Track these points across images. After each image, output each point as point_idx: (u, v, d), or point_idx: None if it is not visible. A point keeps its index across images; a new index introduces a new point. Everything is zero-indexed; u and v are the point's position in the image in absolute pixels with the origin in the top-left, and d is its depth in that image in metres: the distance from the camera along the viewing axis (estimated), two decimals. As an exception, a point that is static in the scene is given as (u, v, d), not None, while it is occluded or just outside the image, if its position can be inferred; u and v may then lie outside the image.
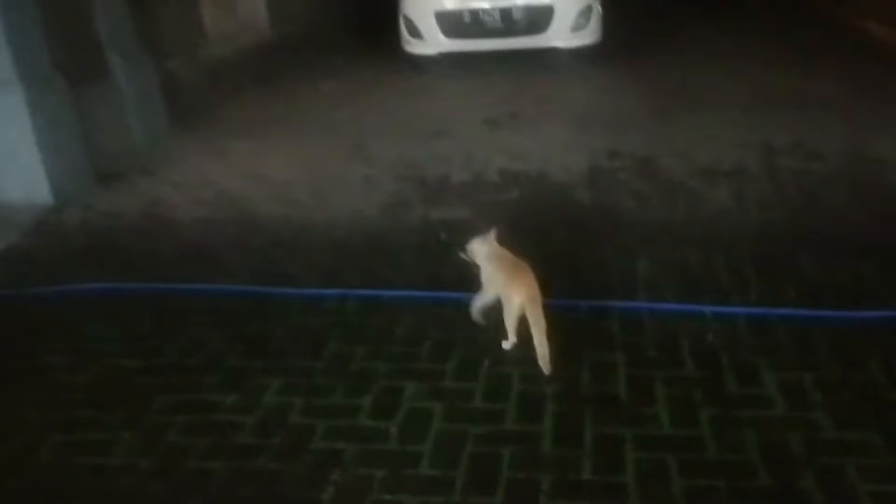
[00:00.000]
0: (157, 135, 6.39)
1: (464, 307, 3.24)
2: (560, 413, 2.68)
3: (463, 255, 3.20)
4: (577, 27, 7.76)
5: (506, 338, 3.03)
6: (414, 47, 8.20)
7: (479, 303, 3.15)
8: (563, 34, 7.76)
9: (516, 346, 3.01)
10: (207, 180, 5.40)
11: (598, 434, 2.57)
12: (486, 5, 7.72)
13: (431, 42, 8.02)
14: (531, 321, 2.84)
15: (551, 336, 2.85)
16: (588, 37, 7.83)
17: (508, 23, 7.73)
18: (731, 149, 5.09)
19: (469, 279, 3.23)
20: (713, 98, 6.54)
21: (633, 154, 5.14)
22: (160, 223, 4.71)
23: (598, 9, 7.82)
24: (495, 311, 3.09)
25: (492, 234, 3.17)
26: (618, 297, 3.41)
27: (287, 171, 5.44)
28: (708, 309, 3.26)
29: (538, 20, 7.73)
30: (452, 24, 7.82)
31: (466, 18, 7.79)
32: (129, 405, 2.90)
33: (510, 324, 2.98)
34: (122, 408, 2.88)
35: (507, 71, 7.99)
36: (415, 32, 8.05)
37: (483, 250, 3.14)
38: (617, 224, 4.18)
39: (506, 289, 2.96)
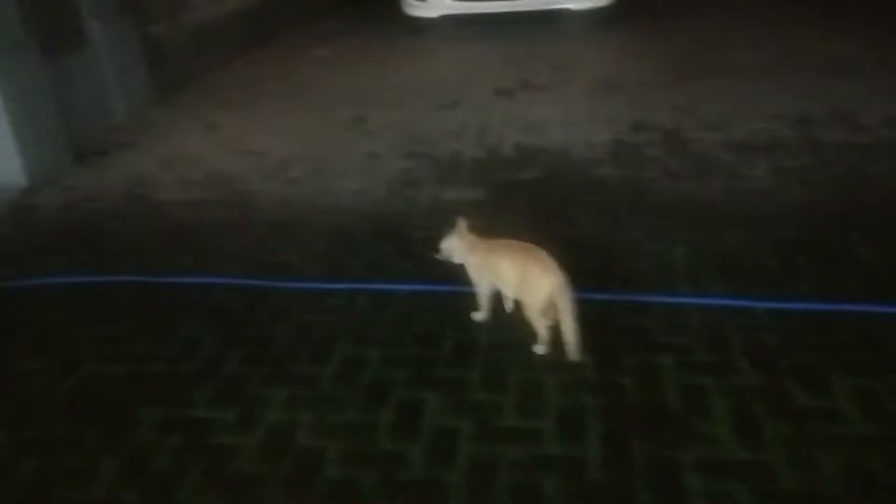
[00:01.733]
0: (140, 106, 5.99)
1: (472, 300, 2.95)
2: (605, 431, 2.38)
3: (438, 257, 2.93)
4: (590, -13, 7.35)
5: (533, 337, 2.74)
6: (415, 9, 7.78)
7: (484, 296, 2.94)
8: (576, -6, 7.34)
9: (547, 347, 2.72)
10: (196, 157, 5.03)
11: (652, 457, 2.26)
12: (492, -37, 7.29)
13: (434, 4, 7.59)
14: (561, 307, 2.61)
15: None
16: (602, -2, 7.41)
17: (517, -18, 7.31)
18: (764, 120, 4.74)
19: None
20: (740, 63, 6.18)
21: (659, 126, 4.79)
22: (146, 206, 4.36)
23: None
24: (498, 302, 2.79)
25: (462, 227, 2.88)
26: (656, 289, 3.10)
27: (282, 146, 5.08)
28: (759, 304, 2.94)
29: (548, -21, 7.32)
30: (457, -17, 7.40)
31: (472, -22, 7.37)
32: (112, 422, 2.58)
33: (538, 317, 2.69)
34: (104, 425, 2.56)
35: (516, 35, 7.59)
36: (416, -7, 7.63)
37: (462, 245, 2.87)
38: (648, 205, 3.85)
39: (526, 278, 2.68)
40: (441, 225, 2.97)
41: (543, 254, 2.68)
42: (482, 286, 2.93)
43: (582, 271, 2.91)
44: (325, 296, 3.25)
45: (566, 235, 3.51)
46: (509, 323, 2.90)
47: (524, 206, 3.91)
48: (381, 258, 3.54)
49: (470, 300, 3.02)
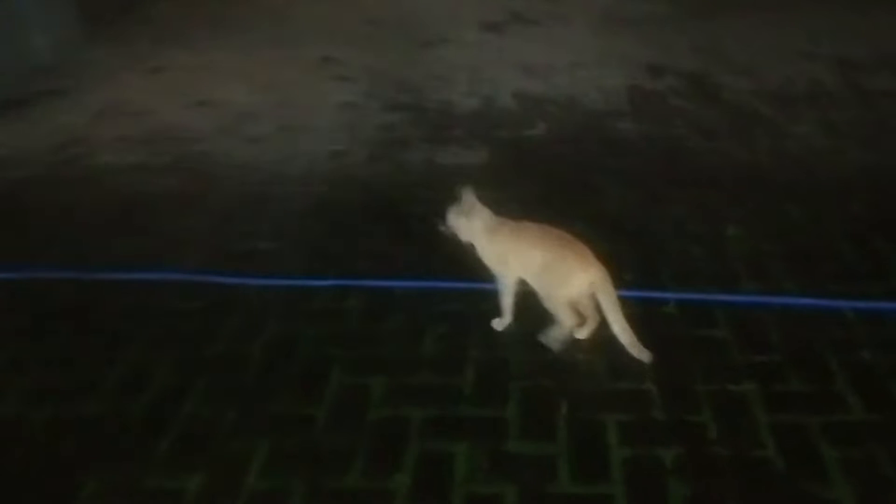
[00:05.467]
0: (67, 43, 5.07)
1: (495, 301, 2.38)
2: (691, 497, 1.84)
3: (443, 230, 2.39)
4: None
5: (561, 343, 2.28)
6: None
7: (506, 294, 2.40)
8: None
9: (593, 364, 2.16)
10: (139, 108, 4.25)
11: (760, 538, 1.75)
12: None
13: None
14: (608, 304, 2.20)
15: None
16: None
17: None
18: (800, 62, 4.14)
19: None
20: None
21: (680, 70, 4.15)
22: (78, 172, 3.61)
23: None
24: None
25: (472, 200, 2.33)
26: (716, 285, 2.53)
27: (241, 94, 4.31)
28: (847, 304, 2.40)
29: None
30: None
31: None
32: (31, 493, 1.95)
33: (561, 305, 2.25)
34: (19, 500, 1.94)
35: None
36: None
37: (476, 225, 2.34)
38: (684, 171, 3.25)
39: (561, 266, 2.23)
40: (440, 198, 2.35)
41: (582, 245, 2.24)
42: (505, 279, 2.38)
43: (619, 260, 2.41)
44: (308, 297, 2.61)
45: (591, 212, 2.92)
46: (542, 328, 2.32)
47: (533, 172, 3.27)
48: (373, 242, 2.90)
49: (493, 301, 2.43)
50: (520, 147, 3.50)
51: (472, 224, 2.34)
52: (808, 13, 4.79)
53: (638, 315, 2.34)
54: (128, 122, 4.08)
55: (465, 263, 2.52)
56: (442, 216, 2.35)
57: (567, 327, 2.28)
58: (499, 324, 2.41)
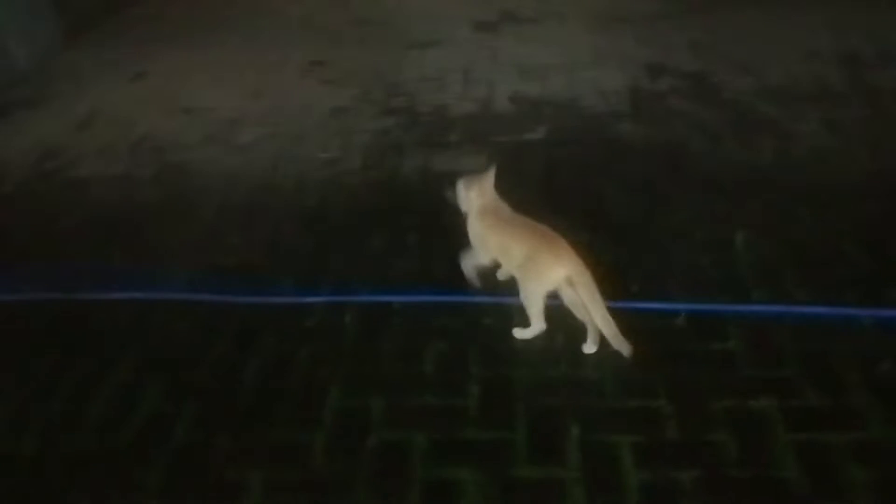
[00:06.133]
0: (46, 50, 4.99)
1: (518, 314, 2.34)
2: (711, 521, 1.79)
3: (450, 195, 2.51)
4: None
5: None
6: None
7: (471, 262, 2.53)
8: None
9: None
10: (122, 115, 4.18)
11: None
12: None
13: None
14: (587, 296, 2.19)
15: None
16: None
17: None
18: (802, 59, 4.08)
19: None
20: None
21: (681, 69, 4.09)
22: (59, 186, 3.54)
23: None
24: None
25: (489, 176, 2.46)
26: (726, 294, 2.48)
27: (228, 100, 4.23)
28: (863, 312, 2.35)
29: None
30: None
31: None
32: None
33: (536, 302, 2.29)
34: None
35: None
36: None
37: (476, 202, 2.46)
38: (688, 175, 3.19)
39: (535, 260, 2.26)
40: (437, 207, 2.31)
41: (559, 240, 2.26)
42: (480, 257, 2.50)
43: (625, 270, 2.45)
44: (302, 314, 2.54)
45: (595, 220, 2.87)
46: (552, 352, 2.27)
47: (534, 178, 3.20)
48: (368, 254, 2.83)
49: (495, 313, 2.39)
50: (517, 152, 3.44)
51: (470, 197, 2.44)
52: (808, 6, 4.73)
53: (647, 328, 2.31)
54: (110, 132, 4.00)
55: (462, 275, 2.48)
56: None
57: (536, 326, 2.32)
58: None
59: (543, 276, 2.25)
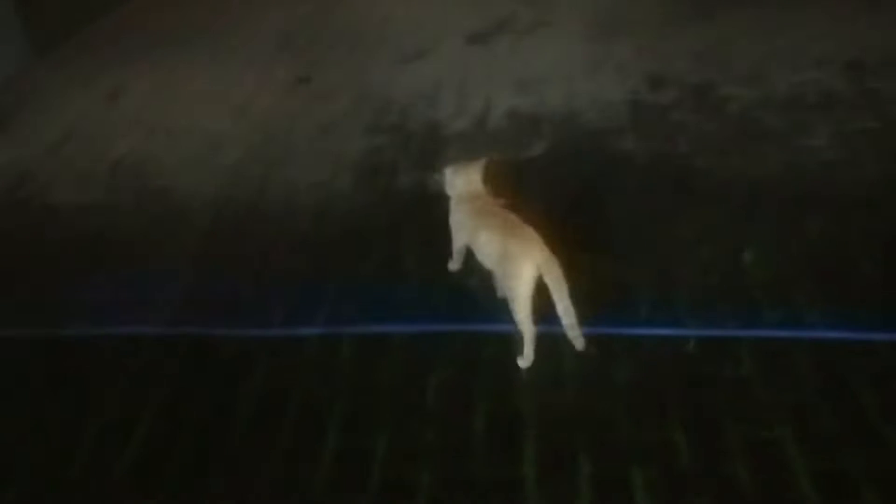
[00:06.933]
0: (14, 67, 5.02)
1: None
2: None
3: (437, 178, 2.74)
4: None
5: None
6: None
7: (456, 259, 2.74)
8: None
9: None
10: (97, 139, 4.22)
11: None
12: None
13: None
14: (552, 287, 2.31)
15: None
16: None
17: None
18: (808, 68, 4.16)
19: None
20: None
21: (682, 80, 4.16)
22: (33, 213, 3.56)
23: None
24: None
25: (478, 166, 2.64)
26: (737, 317, 2.52)
27: (209, 119, 4.28)
28: (882, 336, 2.40)
29: None
30: None
31: None
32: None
33: (522, 308, 2.35)
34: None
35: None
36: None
37: (460, 189, 2.63)
38: (693, 191, 3.25)
39: (508, 258, 2.37)
40: (434, 231, 2.36)
41: (529, 232, 2.38)
42: (456, 242, 2.69)
43: (631, 293, 2.51)
44: (296, 347, 2.57)
45: (599, 239, 2.93)
46: (559, 382, 2.31)
47: (534, 197, 3.24)
48: (364, 282, 2.87)
49: (499, 342, 2.43)
50: (517, 170, 3.49)
51: (456, 184, 2.62)
52: (809, 11, 4.83)
53: (657, 354, 2.35)
54: (85, 155, 4.04)
55: (467, 302, 2.52)
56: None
57: (528, 334, 2.37)
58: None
59: (518, 273, 2.34)
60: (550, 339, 2.38)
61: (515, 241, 2.37)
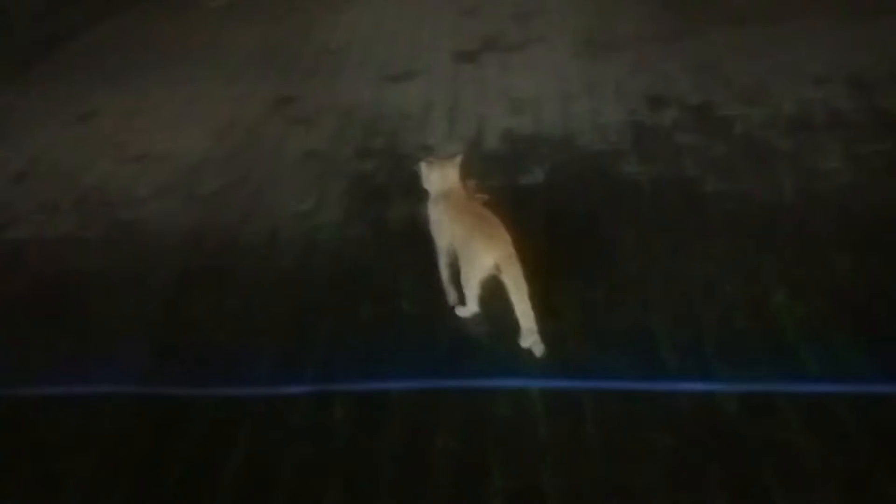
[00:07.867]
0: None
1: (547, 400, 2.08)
2: None
3: (416, 170, 2.68)
4: None
5: (473, 316, 2.48)
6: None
7: (442, 262, 2.61)
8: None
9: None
10: (65, 167, 3.90)
11: None
12: None
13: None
14: (510, 285, 2.31)
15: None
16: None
17: None
18: (812, 84, 3.90)
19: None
20: (757, 5, 5.04)
21: (682, 99, 3.89)
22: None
23: None
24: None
25: (454, 162, 2.60)
26: (770, 366, 2.23)
27: (185, 144, 3.96)
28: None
29: None
30: None
31: None
32: None
33: (471, 286, 2.42)
34: None
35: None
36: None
37: (436, 186, 2.60)
38: (706, 219, 2.97)
39: (469, 245, 2.40)
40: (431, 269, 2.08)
41: (494, 225, 2.40)
42: (438, 244, 2.59)
43: (652, 341, 2.23)
44: (282, 408, 2.24)
45: (609, 275, 2.64)
46: (584, 448, 2.00)
47: (535, 228, 2.96)
48: (356, 328, 2.55)
49: (512, 400, 2.12)
50: (514, 198, 3.18)
51: (432, 180, 2.57)
52: (802, 25, 4.58)
53: (691, 411, 2.06)
54: (52, 185, 3.72)
55: (478, 352, 2.21)
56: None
57: (471, 307, 2.43)
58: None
59: (475, 261, 2.36)
60: (572, 398, 2.08)
61: (481, 233, 2.37)
